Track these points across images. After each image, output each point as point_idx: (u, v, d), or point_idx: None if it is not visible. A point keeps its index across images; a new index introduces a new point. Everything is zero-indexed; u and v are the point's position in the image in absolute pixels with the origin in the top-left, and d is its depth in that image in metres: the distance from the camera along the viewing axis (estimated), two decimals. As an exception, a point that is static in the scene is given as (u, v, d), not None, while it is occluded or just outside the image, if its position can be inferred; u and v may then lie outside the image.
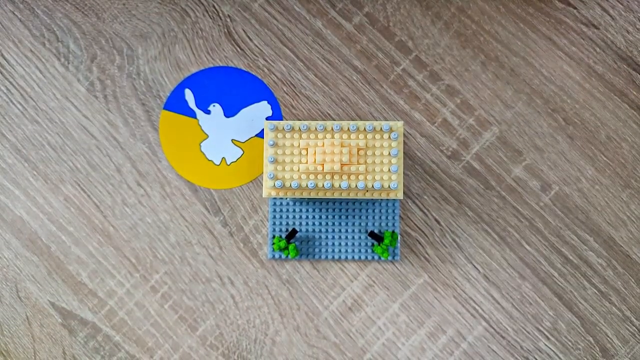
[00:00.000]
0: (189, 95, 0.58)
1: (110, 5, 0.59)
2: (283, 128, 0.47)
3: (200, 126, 0.58)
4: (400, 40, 0.56)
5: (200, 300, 0.56)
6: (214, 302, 0.56)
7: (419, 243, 0.55)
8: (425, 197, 0.56)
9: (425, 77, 0.56)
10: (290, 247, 0.54)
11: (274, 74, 0.57)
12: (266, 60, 0.57)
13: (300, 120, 0.56)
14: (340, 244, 0.55)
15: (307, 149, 0.47)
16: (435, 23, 0.56)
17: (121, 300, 0.57)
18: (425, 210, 0.56)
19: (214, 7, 0.58)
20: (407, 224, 0.55)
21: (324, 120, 0.56)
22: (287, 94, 0.57)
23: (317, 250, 0.55)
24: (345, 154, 0.46)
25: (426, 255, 0.55)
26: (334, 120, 0.56)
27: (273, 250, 0.55)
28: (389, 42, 0.57)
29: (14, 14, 0.59)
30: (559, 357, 0.53)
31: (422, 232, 0.55)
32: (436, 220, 0.55)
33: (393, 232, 0.54)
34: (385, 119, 0.56)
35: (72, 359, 0.57)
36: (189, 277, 0.56)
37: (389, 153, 0.46)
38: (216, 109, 0.58)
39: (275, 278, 0.56)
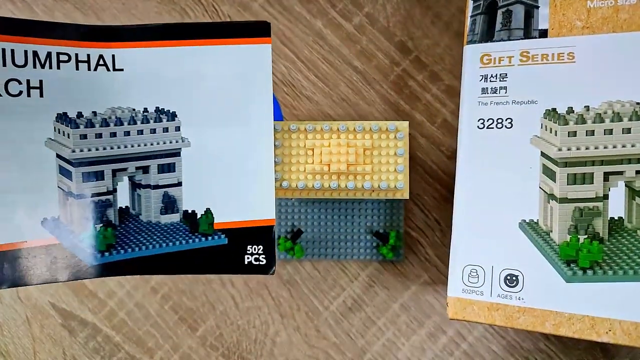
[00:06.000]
0: (189, 96, 0.58)
1: (110, 5, 0.58)
2: (289, 128, 0.47)
3: (200, 126, 0.57)
4: (400, 40, 0.56)
5: (201, 300, 0.56)
6: (214, 302, 0.56)
7: (420, 243, 0.55)
8: (426, 197, 0.56)
9: (425, 78, 0.56)
10: (296, 247, 0.54)
11: (274, 74, 0.57)
12: (266, 61, 0.57)
13: (301, 120, 0.56)
14: (344, 244, 0.55)
15: (313, 150, 0.47)
16: (435, 23, 0.56)
17: (121, 301, 0.56)
18: (426, 211, 0.56)
19: (213, 6, 0.58)
20: (408, 224, 0.55)
21: (324, 120, 0.56)
22: (287, 94, 0.57)
23: (321, 250, 0.55)
24: (351, 154, 0.46)
25: (426, 256, 0.55)
26: (335, 120, 0.56)
27: (279, 251, 0.55)
28: (389, 43, 0.57)
29: (13, 13, 0.58)
30: (559, 357, 0.53)
31: (423, 232, 0.55)
32: (436, 220, 0.55)
33: (397, 232, 0.54)
34: (386, 119, 0.56)
35: (72, 359, 0.57)
36: (189, 278, 0.56)
37: (395, 153, 0.46)
38: (216, 109, 0.57)
39: (276, 278, 0.56)
